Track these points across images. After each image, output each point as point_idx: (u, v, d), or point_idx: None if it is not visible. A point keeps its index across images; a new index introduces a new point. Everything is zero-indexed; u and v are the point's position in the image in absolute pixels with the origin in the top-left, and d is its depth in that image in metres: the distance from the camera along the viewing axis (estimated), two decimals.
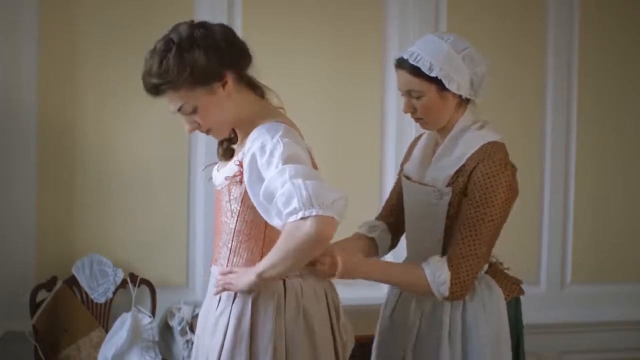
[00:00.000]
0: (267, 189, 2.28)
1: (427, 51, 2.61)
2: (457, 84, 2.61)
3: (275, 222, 2.32)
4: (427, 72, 2.59)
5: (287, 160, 2.28)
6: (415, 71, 2.60)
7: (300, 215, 2.21)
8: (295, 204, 2.21)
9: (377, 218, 2.94)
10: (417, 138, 2.90)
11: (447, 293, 2.56)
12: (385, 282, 2.74)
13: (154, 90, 2.37)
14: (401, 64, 2.64)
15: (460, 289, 2.57)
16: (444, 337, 2.64)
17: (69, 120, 3.97)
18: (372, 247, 2.86)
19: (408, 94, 2.65)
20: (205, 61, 2.33)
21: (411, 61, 2.60)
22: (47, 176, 3.95)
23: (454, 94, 2.63)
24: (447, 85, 2.60)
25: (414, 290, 2.67)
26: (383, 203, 3.00)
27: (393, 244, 2.92)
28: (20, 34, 3.87)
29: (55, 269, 3.94)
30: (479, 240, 2.56)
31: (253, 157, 2.34)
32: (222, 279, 2.45)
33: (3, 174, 3.89)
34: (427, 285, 2.58)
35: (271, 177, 2.28)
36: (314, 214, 2.20)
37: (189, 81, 2.33)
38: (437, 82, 2.60)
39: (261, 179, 2.32)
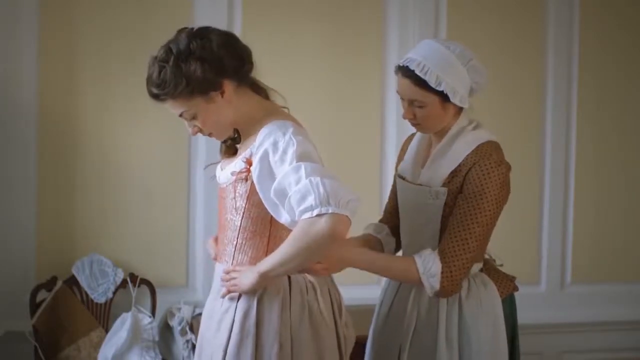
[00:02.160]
0: (280, 185, 2.29)
1: (434, 63, 2.58)
2: (461, 97, 2.60)
3: (284, 218, 2.33)
4: (434, 86, 2.57)
5: (300, 157, 2.29)
6: (422, 83, 2.58)
7: (315, 212, 2.22)
8: (311, 201, 2.22)
9: (380, 222, 2.93)
10: (410, 138, 2.89)
11: (437, 286, 2.56)
12: (375, 271, 2.72)
13: (154, 97, 2.43)
14: (405, 73, 2.61)
15: (451, 283, 2.56)
16: (440, 335, 2.64)
17: (69, 120, 3.97)
18: (380, 247, 2.85)
19: (410, 102, 2.63)
20: (201, 73, 2.36)
21: (418, 72, 2.57)
22: (47, 176, 3.94)
23: (454, 104, 2.63)
24: (451, 99, 2.59)
25: (404, 280, 2.68)
26: (383, 202, 3.00)
27: (397, 247, 2.91)
28: (20, 33, 3.87)
29: (55, 269, 3.93)
30: (471, 236, 2.56)
31: (265, 153, 2.35)
32: (226, 278, 2.47)
33: (3, 173, 3.89)
34: (417, 276, 2.57)
35: (285, 173, 2.29)
36: (330, 211, 2.21)
37: (186, 92, 2.37)
38: (441, 94, 2.59)
39: (272, 175, 2.33)
